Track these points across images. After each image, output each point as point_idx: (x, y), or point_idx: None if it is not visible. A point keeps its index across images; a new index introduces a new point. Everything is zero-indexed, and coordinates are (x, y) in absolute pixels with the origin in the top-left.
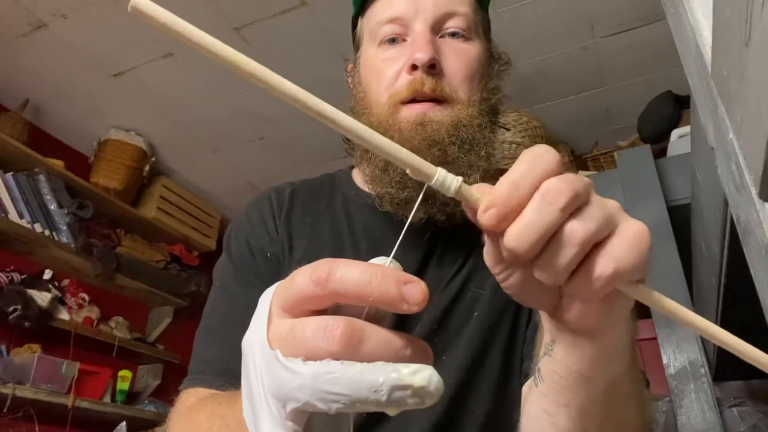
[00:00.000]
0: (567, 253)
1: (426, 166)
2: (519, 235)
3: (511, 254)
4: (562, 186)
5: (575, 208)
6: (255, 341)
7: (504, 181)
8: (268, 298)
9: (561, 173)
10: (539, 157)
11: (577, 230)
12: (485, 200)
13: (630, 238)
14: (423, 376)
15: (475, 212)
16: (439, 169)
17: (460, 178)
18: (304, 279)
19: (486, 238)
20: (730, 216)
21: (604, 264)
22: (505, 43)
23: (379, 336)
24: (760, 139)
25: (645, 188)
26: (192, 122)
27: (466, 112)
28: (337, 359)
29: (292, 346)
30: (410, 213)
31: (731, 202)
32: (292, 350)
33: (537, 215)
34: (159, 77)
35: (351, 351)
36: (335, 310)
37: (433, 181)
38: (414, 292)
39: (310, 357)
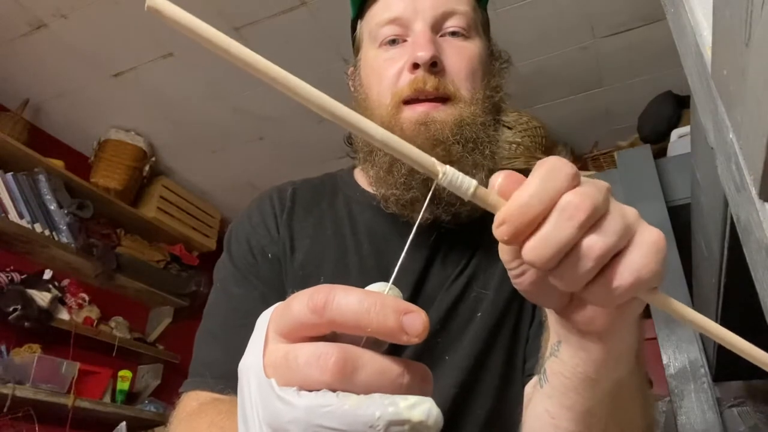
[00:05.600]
0: (585, 266)
1: (432, 163)
2: (536, 249)
3: (529, 265)
4: (582, 201)
5: (594, 222)
6: (251, 367)
7: (518, 195)
8: (265, 320)
9: (577, 186)
10: (555, 170)
11: (596, 243)
12: (499, 215)
13: (648, 247)
14: (421, 410)
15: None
16: (447, 167)
17: (475, 182)
18: (300, 305)
19: None
20: (730, 216)
21: (625, 274)
22: (505, 43)
23: (374, 364)
24: (760, 139)
25: (645, 188)
26: (192, 122)
27: (469, 110)
28: (333, 389)
29: (286, 375)
30: (415, 213)
31: (731, 202)
32: (286, 379)
33: (555, 231)
34: (159, 77)
35: (345, 381)
36: (333, 334)
37: (440, 178)
38: (414, 323)
39: (304, 386)
